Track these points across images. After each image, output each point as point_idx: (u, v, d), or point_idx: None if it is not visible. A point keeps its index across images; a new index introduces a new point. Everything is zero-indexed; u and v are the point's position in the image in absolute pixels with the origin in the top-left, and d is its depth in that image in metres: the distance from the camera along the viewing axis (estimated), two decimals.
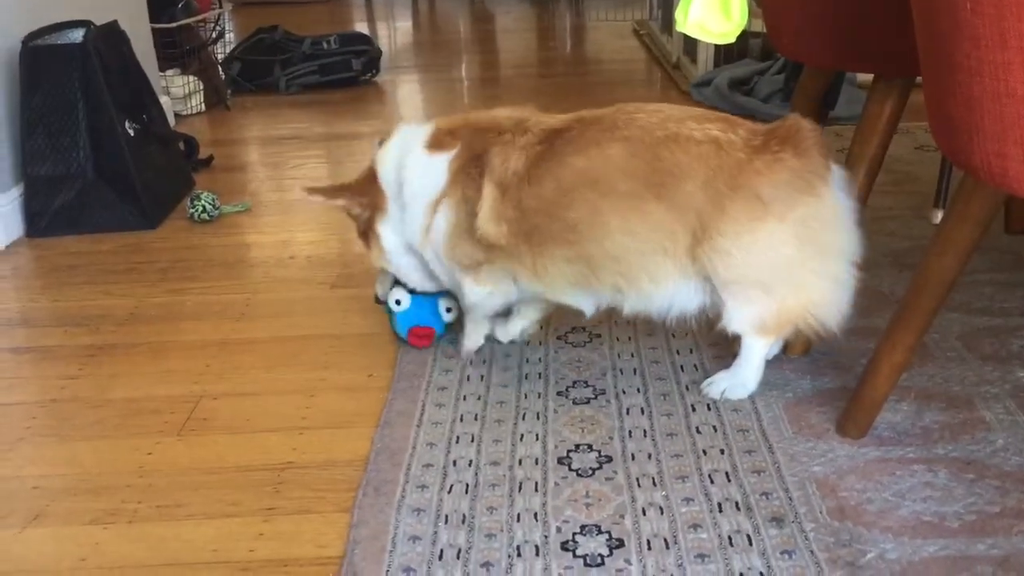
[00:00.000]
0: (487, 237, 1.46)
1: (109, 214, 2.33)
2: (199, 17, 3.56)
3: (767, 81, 3.17)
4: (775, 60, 3.25)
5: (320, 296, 1.93)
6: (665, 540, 1.15)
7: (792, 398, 1.45)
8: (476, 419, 1.43)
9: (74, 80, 2.28)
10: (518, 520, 1.20)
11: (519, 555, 1.14)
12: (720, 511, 1.20)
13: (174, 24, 3.33)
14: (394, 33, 5.55)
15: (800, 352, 1.56)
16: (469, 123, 1.53)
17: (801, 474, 1.26)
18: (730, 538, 1.15)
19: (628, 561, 1.12)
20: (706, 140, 1.37)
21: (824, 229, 1.38)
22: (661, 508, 1.21)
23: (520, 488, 1.26)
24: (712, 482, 1.25)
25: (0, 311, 1.95)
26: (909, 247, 1.97)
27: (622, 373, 1.55)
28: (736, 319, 1.41)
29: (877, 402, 1.32)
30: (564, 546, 1.15)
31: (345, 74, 3.86)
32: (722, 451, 1.32)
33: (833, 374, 1.51)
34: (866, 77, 1.82)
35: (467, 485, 1.27)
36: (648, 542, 1.15)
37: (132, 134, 2.37)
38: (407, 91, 3.94)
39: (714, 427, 1.38)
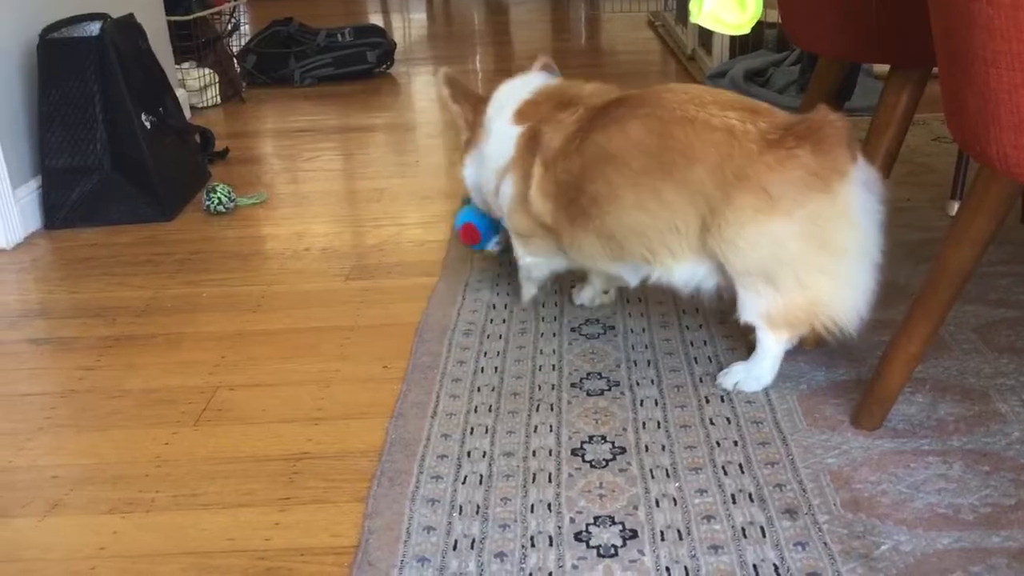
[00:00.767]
0: (538, 213, 1.54)
1: (126, 206, 2.35)
2: (214, 10, 3.57)
3: (783, 72, 3.16)
4: (791, 51, 3.23)
5: (335, 288, 1.94)
6: (678, 531, 1.15)
7: (806, 390, 1.44)
8: (490, 410, 1.43)
9: (91, 73, 2.29)
10: (532, 511, 1.20)
11: (533, 545, 1.14)
12: (734, 503, 1.20)
13: (190, 17, 3.34)
14: (408, 25, 5.55)
15: (814, 344, 1.56)
16: (552, 96, 1.58)
17: (815, 466, 1.26)
18: (743, 530, 1.15)
19: (641, 552, 1.12)
20: (721, 127, 1.36)
21: (837, 228, 1.35)
22: (674, 499, 1.21)
23: (534, 479, 1.27)
24: (726, 474, 1.26)
25: (19, 302, 1.96)
26: (926, 239, 1.96)
27: (636, 365, 1.55)
28: (747, 309, 1.42)
29: (892, 394, 1.32)
30: (578, 537, 1.15)
31: (360, 66, 3.87)
32: (736, 443, 1.32)
33: (848, 366, 1.50)
34: (882, 68, 1.82)
35: (481, 476, 1.28)
36: (661, 533, 1.15)
37: (148, 127, 2.39)
38: (421, 83, 3.95)
39: (728, 419, 1.38)
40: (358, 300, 1.87)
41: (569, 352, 1.60)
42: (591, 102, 1.52)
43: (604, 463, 1.29)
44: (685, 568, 1.09)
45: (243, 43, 3.95)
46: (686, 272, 1.46)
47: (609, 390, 1.48)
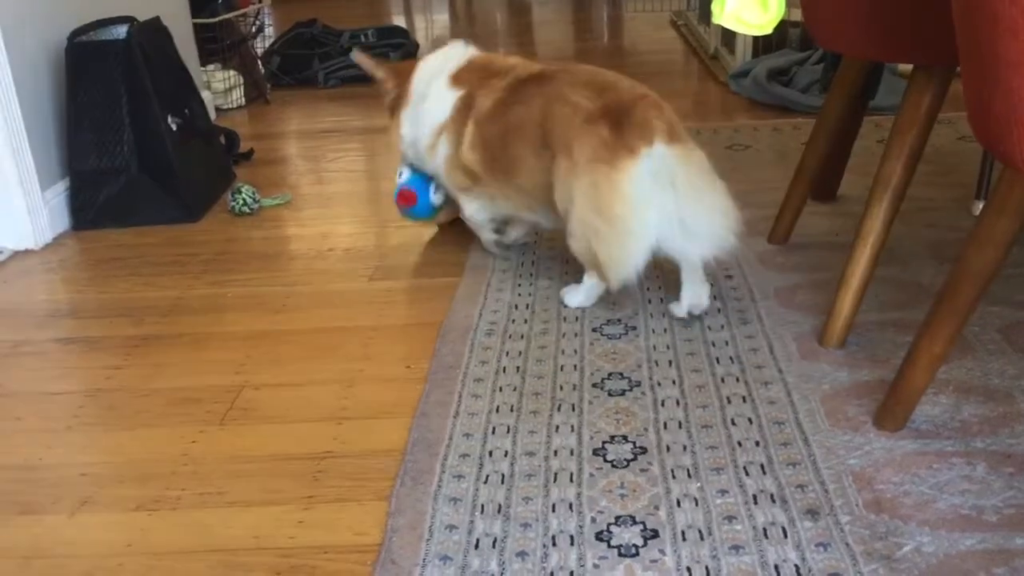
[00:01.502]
0: (466, 163, 1.80)
1: (153, 207, 2.38)
2: (239, 12, 3.60)
3: (806, 71, 3.15)
4: (814, 50, 3.22)
5: (359, 288, 1.95)
6: (700, 531, 1.16)
7: (829, 390, 1.44)
8: (512, 410, 1.44)
9: (118, 75, 2.32)
10: (553, 510, 1.21)
11: (554, 544, 1.15)
12: (755, 503, 1.20)
13: (215, 19, 3.37)
14: (431, 26, 5.57)
15: (836, 344, 1.55)
16: (486, 67, 1.84)
17: (837, 467, 1.26)
18: (765, 530, 1.15)
19: (662, 552, 1.13)
20: (571, 104, 1.63)
21: (610, 198, 1.56)
22: (696, 500, 1.21)
23: (555, 478, 1.27)
24: (747, 474, 1.26)
25: (48, 303, 1.99)
26: (950, 239, 1.95)
27: (657, 365, 1.55)
28: (573, 249, 1.68)
29: (915, 395, 1.31)
30: (599, 536, 1.16)
31: None
32: (757, 443, 1.32)
33: (870, 366, 1.50)
34: (906, 66, 1.80)
35: (503, 475, 1.29)
36: (683, 533, 1.16)
37: (175, 128, 2.41)
38: None
39: (749, 419, 1.38)
40: (381, 300, 1.88)
41: (591, 352, 1.60)
42: (518, 72, 1.77)
43: (625, 463, 1.30)
44: (706, 568, 1.10)
45: (267, 45, 3.98)
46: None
47: (630, 390, 1.48)
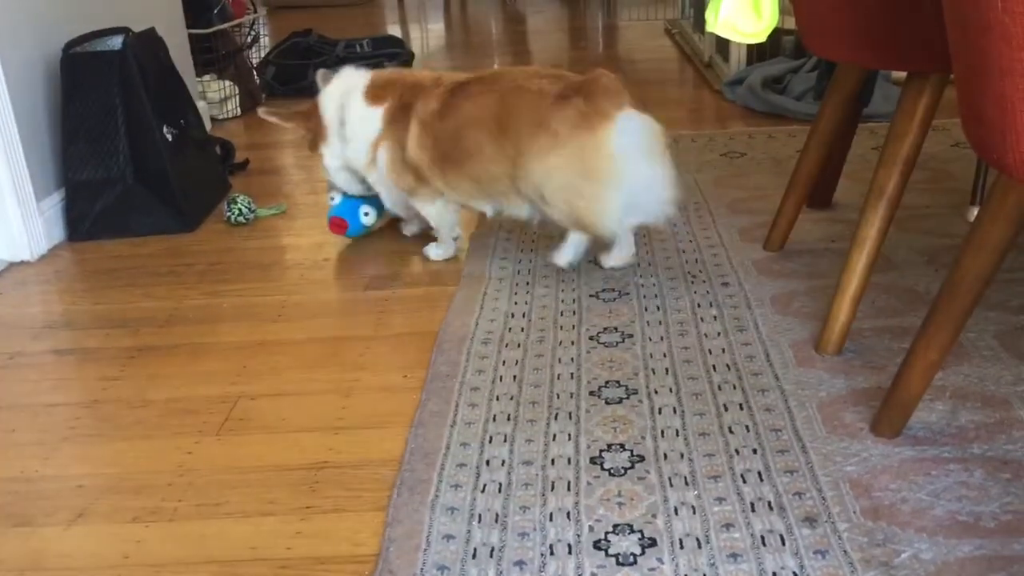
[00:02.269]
0: (413, 160, 1.96)
1: (148, 218, 2.38)
2: (234, 22, 3.60)
3: (800, 79, 3.16)
4: (808, 58, 3.23)
5: (354, 298, 1.95)
6: (697, 539, 1.15)
7: (826, 397, 1.44)
8: (509, 419, 1.44)
9: (113, 86, 2.32)
10: (551, 519, 1.21)
11: (552, 554, 1.15)
12: (753, 511, 1.20)
13: (210, 30, 3.38)
14: (426, 35, 5.58)
15: (833, 351, 1.56)
16: (394, 82, 2.02)
17: (835, 474, 1.26)
18: (763, 538, 1.15)
19: (660, 560, 1.13)
20: (535, 90, 1.81)
21: (596, 159, 1.75)
22: (693, 507, 1.21)
23: (553, 487, 1.27)
24: (745, 482, 1.26)
25: (43, 314, 1.99)
26: (945, 245, 1.96)
27: (654, 373, 1.55)
28: (554, 218, 1.86)
29: (912, 401, 1.31)
30: (596, 545, 1.16)
31: None
32: (755, 451, 1.32)
33: (867, 373, 1.50)
34: (901, 73, 1.81)
35: (500, 484, 1.28)
36: (680, 541, 1.15)
37: (170, 139, 2.42)
38: None
39: (747, 427, 1.38)
40: (377, 310, 1.88)
41: (587, 360, 1.60)
42: (453, 78, 1.95)
43: (623, 471, 1.30)
44: None
45: (263, 55, 3.99)
46: (525, 209, 1.91)
47: (628, 398, 1.48)
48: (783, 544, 1.14)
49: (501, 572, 1.12)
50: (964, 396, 1.42)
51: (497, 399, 1.50)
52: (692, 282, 1.88)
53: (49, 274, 2.20)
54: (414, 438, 1.41)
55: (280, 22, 5.49)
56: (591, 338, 1.68)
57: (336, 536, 1.22)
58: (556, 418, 1.44)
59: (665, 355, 1.60)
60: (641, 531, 1.17)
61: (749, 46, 3.42)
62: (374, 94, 2.02)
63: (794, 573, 1.09)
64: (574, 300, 1.83)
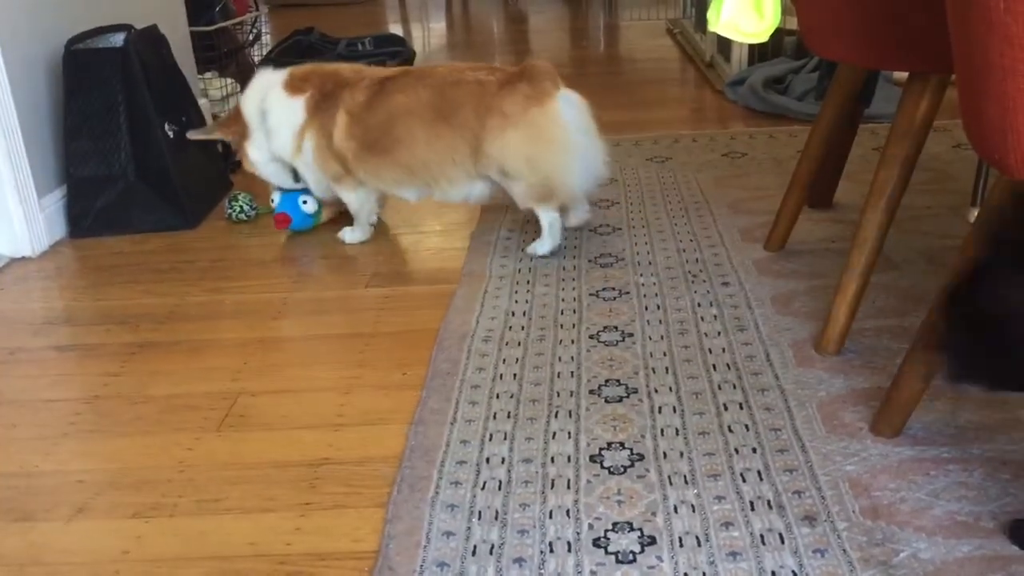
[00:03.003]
0: (339, 150, 2.08)
1: (150, 215, 2.38)
2: (236, 20, 3.60)
3: (802, 79, 3.16)
4: (810, 58, 3.23)
5: (355, 295, 1.96)
6: (697, 538, 1.16)
7: (825, 397, 1.44)
8: (509, 417, 1.44)
9: (115, 83, 2.32)
10: (550, 517, 1.21)
11: (551, 551, 1.15)
12: (752, 509, 1.20)
13: (212, 27, 3.37)
14: (428, 34, 5.58)
15: (833, 351, 1.56)
16: (316, 73, 2.14)
17: (834, 473, 1.26)
18: (762, 536, 1.15)
19: (660, 558, 1.13)
20: (474, 81, 1.99)
21: (547, 128, 1.95)
22: (693, 506, 1.21)
23: (552, 485, 1.27)
24: (744, 481, 1.26)
25: (44, 310, 1.99)
26: (946, 246, 1.96)
27: (654, 372, 1.55)
28: (518, 199, 2.01)
29: (911, 401, 1.31)
30: (596, 543, 1.16)
31: None
32: (754, 450, 1.32)
33: (867, 373, 1.50)
34: (902, 74, 1.81)
35: (500, 482, 1.29)
36: (680, 539, 1.16)
37: (172, 136, 2.42)
38: None
39: (746, 426, 1.38)
40: (378, 307, 1.88)
41: (587, 359, 1.60)
42: (379, 72, 2.11)
43: (622, 469, 1.30)
44: (703, 574, 1.10)
45: (264, 53, 3.99)
46: (460, 191, 2.07)
47: (627, 397, 1.48)
48: (782, 543, 1.14)
49: (501, 569, 1.12)
50: (963, 396, 1.42)
51: (497, 397, 1.50)
52: (692, 281, 1.88)
53: (50, 270, 2.20)
54: (414, 435, 1.41)
55: (282, 20, 5.50)
56: (591, 337, 1.68)
57: (336, 532, 1.23)
58: (556, 416, 1.44)
59: (665, 354, 1.61)
60: (641, 529, 1.18)
61: (751, 46, 3.42)
62: (294, 86, 2.13)
63: (793, 572, 1.09)
64: (574, 299, 1.84)
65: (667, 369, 1.56)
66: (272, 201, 2.29)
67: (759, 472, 1.27)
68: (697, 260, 1.99)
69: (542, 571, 1.12)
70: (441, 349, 1.67)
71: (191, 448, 1.44)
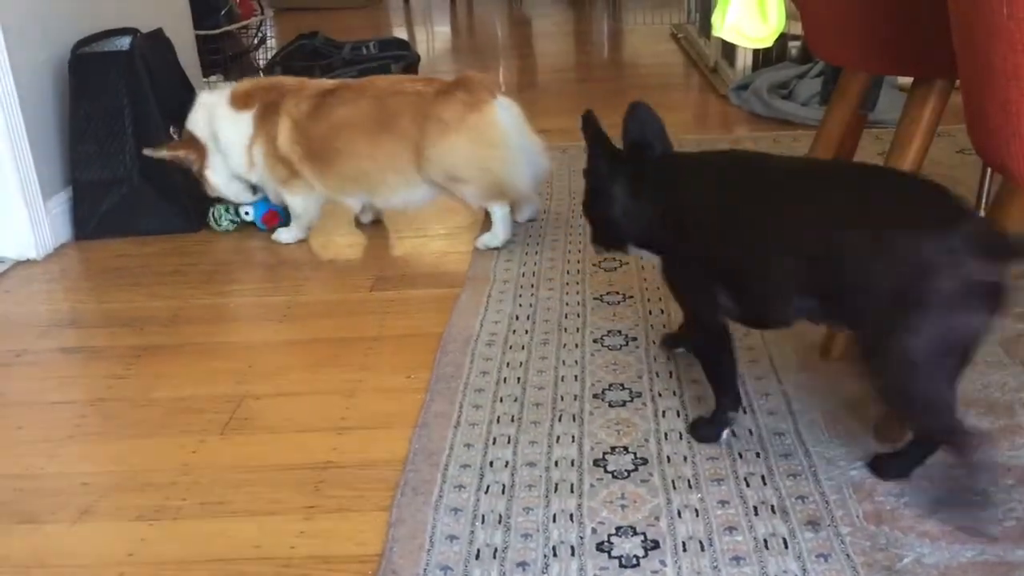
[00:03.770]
0: (285, 155, 2.16)
1: (154, 218, 2.38)
2: (242, 24, 3.61)
3: (806, 84, 3.16)
4: (814, 63, 3.23)
5: (359, 299, 1.96)
6: (700, 543, 1.16)
7: (829, 402, 1.44)
8: (513, 421, 1.44)
9: (121, 86, 2.33)
10: (554, 521, 1.21)
11: (555, 555, 1.15)
12: (756, 514, 1.20)
13: (217, 31, 3.39)
14: (432, 38, 5.59)
15: (836, 356, 1.56)
16: (259, 86, 2.23)
17: (838, 478, 1.26)
18: (766, 541, 1.15)
19: (663, 563, 1.13)
20: (412, 91, 2.09)
21: (489, 131, 2.05)
22: (696, 511, 1.22)
23: (556, 489, 1.27)
24: (748, 485, 1.26)
25: (50, 312, 2.00)
26: None
27: (658, 376, 1.55)
28: (469, 200, 2.13)
29: None
30: (599, 547, 1.16)
31: None
32: (758, 454, 1.32)
33: None
34: (906, 79, 1.81)
35: (504, 486, 1.29)
36: (683, 544, 1.16)
37: (177, 139, 2.42)
38: None
39: (750, 430, 1.38)
40: (382, 311, 1.89)
41: (591, 363, 1.61)
42: (320, 84, 2.20)
43: (626, 474, 1.30)
44: None
45: (269, 56, 3.99)
46: (400, 197, 2.16)
47: (631, 401, 1.48)
48: (786, 548, 1.14)
49: (504, 573, 1.13)
50: (968, 403, 1.42)
51: (501, 401, 1.50)
52: None
53: (55, 273, 2.21)
54: (418, 439, 1.41)
55: (287, 24, 5.51)
56: (595, 341, 1.68)
57: (340, 536, 1.23)
58: (560, 420, 1.44)
59: (668, 358, 1.61)
60: (644, 534, 1.18)
61: (755, 51, 3.42)
62: (240, 100, 2.20)
63: None
64: (578, 303, 1.84)
65: (671, 373, 1.56)
66: (245, 215, 2.36)
67: (763, 477, 1.27)
68: None
69: (545, 575, 1.12)
70: (445, 353, 1.67)
71: (195, 451, 1.44)
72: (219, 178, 2.26)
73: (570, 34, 5.43)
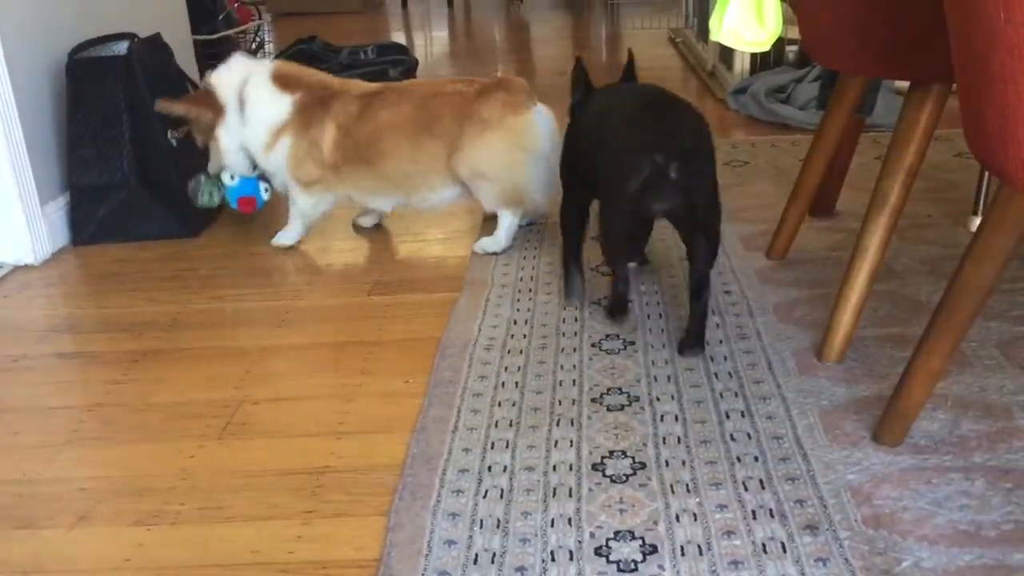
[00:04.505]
0: (328, 160, 2.14)
1: (152, 222, 2.38)
2: (240, 29, 3.62)
3: (804, 88, 3.16)
4: (812, 67, 3.23)
5: (357, 303, 1.96)
6: (699, 547, 1.16)
7: (827, 406, 1.44)
8: (511, 425, 1.44)
9: (119, 91, 2.33)
10: (552, 525, 1.21)
11: (553, 560, 1.15)
12: (754, 518, 1.20)
13: (215, 36, 3.39)
14: (430, 43, 5.59)
15: (835, 359, 1.56)
16: (306, 76, 2.19)
17: (836, 482, 1.26)
18: (764, 545, 1.15)
19: (662, 567, 1.13)
20: (454, 92, 2.11)
21: (523, 135, 2.08)
22: (695, 515, 1.21)
23: (554, 493, 1.27)
24: (746, 489, 1.26)
25: (47, 317, 2.00)
26: (947, 255, 1.96)
27: (656, 380, 1.55)
28: (485, 201, 2.15)
29: (913, 410, 1.31)
30: (598, 551, 1.16)
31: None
32: (756, 458, 1.32)
33: (868, 382, 1.50)
34: (904, 83, 1.82)
35: (502, 490, 1.29)
36: (682, 548, 1.16)
37: (175, 144, 2.42)
38: None
39: (748, 434, 1.38)
40: (380, 315, 1.89)
41: (589, 367, 1.61)
42: (362, 87, 2.18)
43: (624, 478, 1.30)
44: None
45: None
46: (438, 197, 2.17)
47: (629, 405, 1.48)
48: (784, 552, 1.14)
49: None
50: (966, 405, 1.42)
51: (499, 405, 1.50)
52: None
53: (53, 278, 2.21)
54: (416, 443, 1.41)
55: (285, 29, 5.51)
56: (593, 345, 1.68)
57: (338, 540, 1.23)
58: (558, 424, 1.44)
59: (667, 362, 1.61)
60: (642, 538, 1.18)
61: (753, 55, 3.42)
62: (283, 81, 2.15)
63: None
64: (576, 307, 1.84)
65: (669, 377, 1.56)
66: (231, 178, 2.27)
67: (761, 481, 1.27)
68: None
69: None
70: (443, 357, 1.67)
71: (193, 456, 1.44)
72: (230, 142, 2.20)
73: (568, 38, 5.44)
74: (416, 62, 4.08)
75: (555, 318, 1.80)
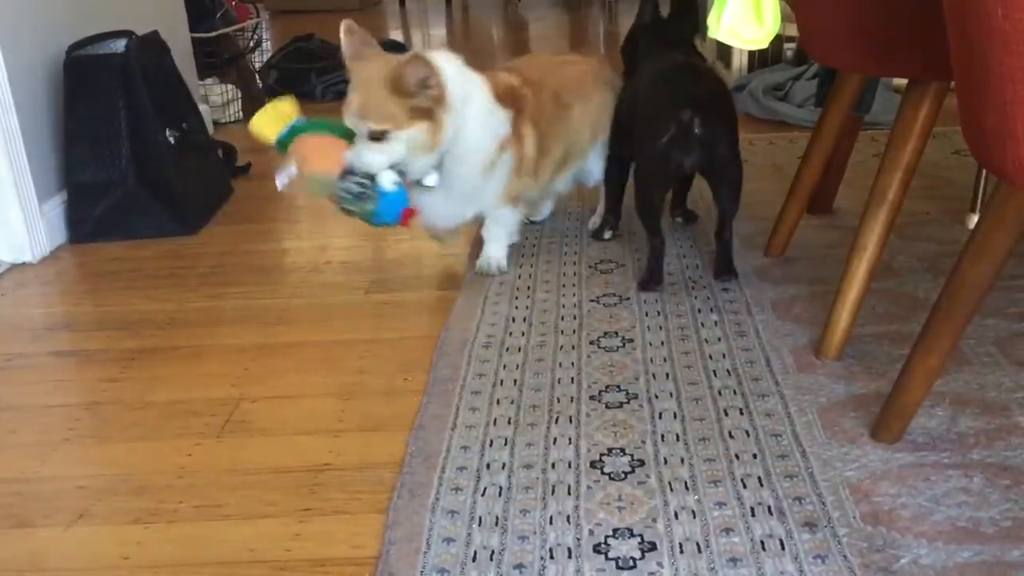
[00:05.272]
0: (531, 162, 2.02)
1: (150, 220, 2.38)
2: (237, 27, 3.61)
3: (802, 86, 3.16)
4: (810, 65, 3.23)
5: (356, 301, 1.96)
6: (697, 544, 1.16)
7: (826, 403, 1.44)
8: (509, 423, 1.44)
9: (116, 89, 2.32)
10: (551, 523, 1.21)
11: (552, 557, 1.15)
12: (753, 515, 1.20)
13: (213, 34, 3.38)
14: (428, 41, 5.59)
15: (833, 357, 1.56)
16: (512, 89, 2.03)
17: (834, 479, 1.26)
18: (763, 542, 1.15)
19: (660, 564, 1.13)
20: (581, 61, 2.23)
21: (609, 107, 2.16)
22: (693, 512, 1.21)
23: (553, 491, 1.27)
24: (745, 486, 1.26)
25: (44, 315, 1.99)
26: (945, 252, 1.96)
27: (655, 377, 1.55)
28: (595, 174, 2.22)
29: (911, 407, 1.31)
30: (596, 549, 1.16)
31: None
32: (755, 455, 1.32)
33: (867, 379, 1.50)
34: (901, 81, 1.82)
35: (500, 488, 1.28)
36: (680, 546, 1.15)
37: (172, 142, 2.42)
38: None
39: (747, 431, 1.38)
40: (378, 313, 1.88)
41: (588, 365, 1.60)
42: (527, 83, 2.08)
43: (623, 475, 1.30)
44: None
45: (265, 59, 3.99)
46: (589, 160, 2.20)
47: (628, 403, 1.48)
48: (783, 549, 1.14)
49: (501, 575, 1.12)
50: (964, 402, 1.42)
51: (498, 403, 1.50)
52: (692, 287, 1.88)
53: (50, 276, 2.20)
54: (414, 441, 1.41)
55: (282, 26, 5.51)
56: (592, 342, 1.68)
57: (336, 538, 1.22)
58: (556, 422, 1.44)
59: (665, 360, 1.61)
60: (641, 535, 1.18)
61: (751, 52, 3.42)
62: (502, 98, 1.94)
63: None
64: (575, 305, 1.84)
65: (667, 375, 1.56)
66: (395, 184, 1.80)
67: (759, 478, 1.27)
68: (697, 266, 1.99)
69: None
70: (442, 355, 1.67)
71: (191, 454, 1.44)
72: (445, 136, 1.82)
73: (566, 37, 5.44)
74: None
75: (553, 316, 1.79)
